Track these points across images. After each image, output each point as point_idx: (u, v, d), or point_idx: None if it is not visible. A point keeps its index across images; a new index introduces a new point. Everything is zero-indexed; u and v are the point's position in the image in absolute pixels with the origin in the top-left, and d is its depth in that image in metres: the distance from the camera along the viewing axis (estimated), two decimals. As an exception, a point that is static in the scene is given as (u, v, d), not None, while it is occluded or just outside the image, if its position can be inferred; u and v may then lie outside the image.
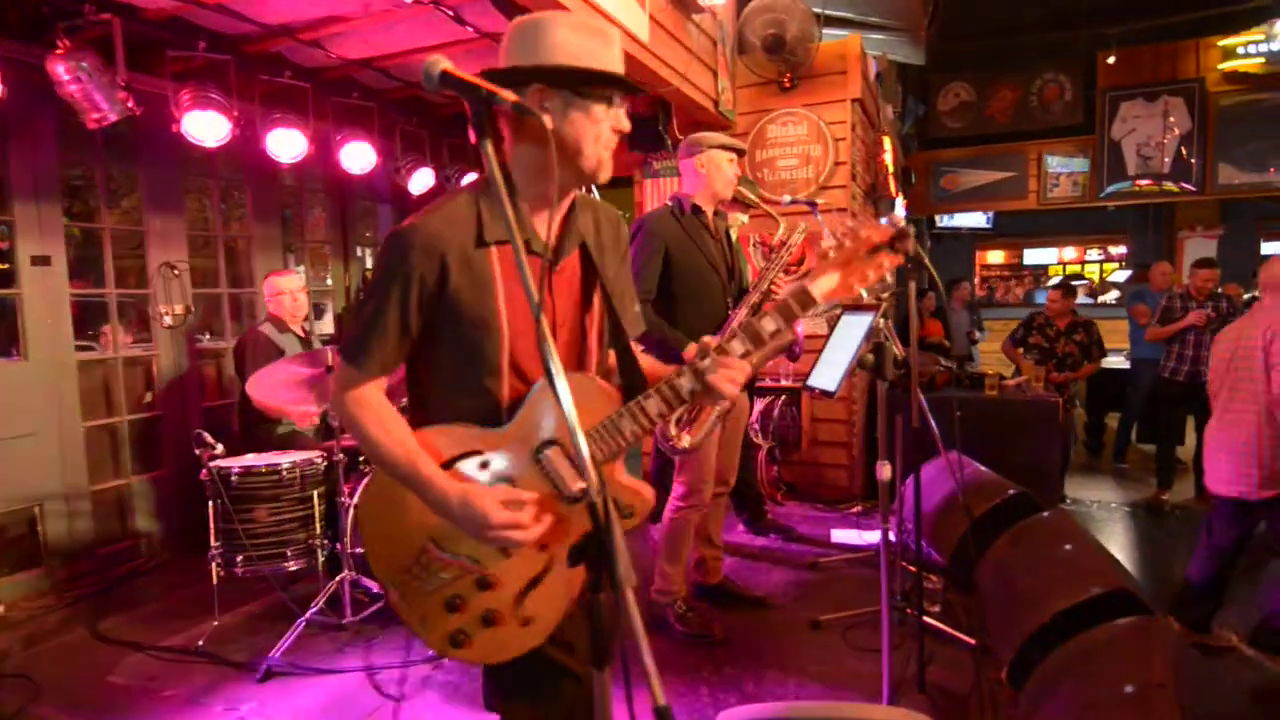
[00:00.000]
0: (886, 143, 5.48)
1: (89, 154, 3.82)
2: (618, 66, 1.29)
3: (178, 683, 2.69)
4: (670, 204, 2.90)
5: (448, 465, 1.30)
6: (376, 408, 1.32)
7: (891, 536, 3.04)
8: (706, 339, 1.36)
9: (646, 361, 1.47)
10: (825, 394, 2.22)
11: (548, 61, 1.24)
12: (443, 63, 1.08)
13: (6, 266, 3.59)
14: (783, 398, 4.56)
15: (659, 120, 4.29)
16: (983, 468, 3.52)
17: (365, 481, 1.38)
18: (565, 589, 1.34)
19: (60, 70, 2.87)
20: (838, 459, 4.77)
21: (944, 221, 10.73)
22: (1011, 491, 3.12)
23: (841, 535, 4.10)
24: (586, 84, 1.25)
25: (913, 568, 2.77)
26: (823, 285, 1.36)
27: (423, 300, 1.28)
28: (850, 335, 2.27)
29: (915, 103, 8.66)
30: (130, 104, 2.98)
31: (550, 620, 1.34)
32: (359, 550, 3.09)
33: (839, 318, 2.53)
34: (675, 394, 1.34)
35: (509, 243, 1.26)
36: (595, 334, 1.44)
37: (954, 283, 7.30)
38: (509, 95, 1.08)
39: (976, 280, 11.74)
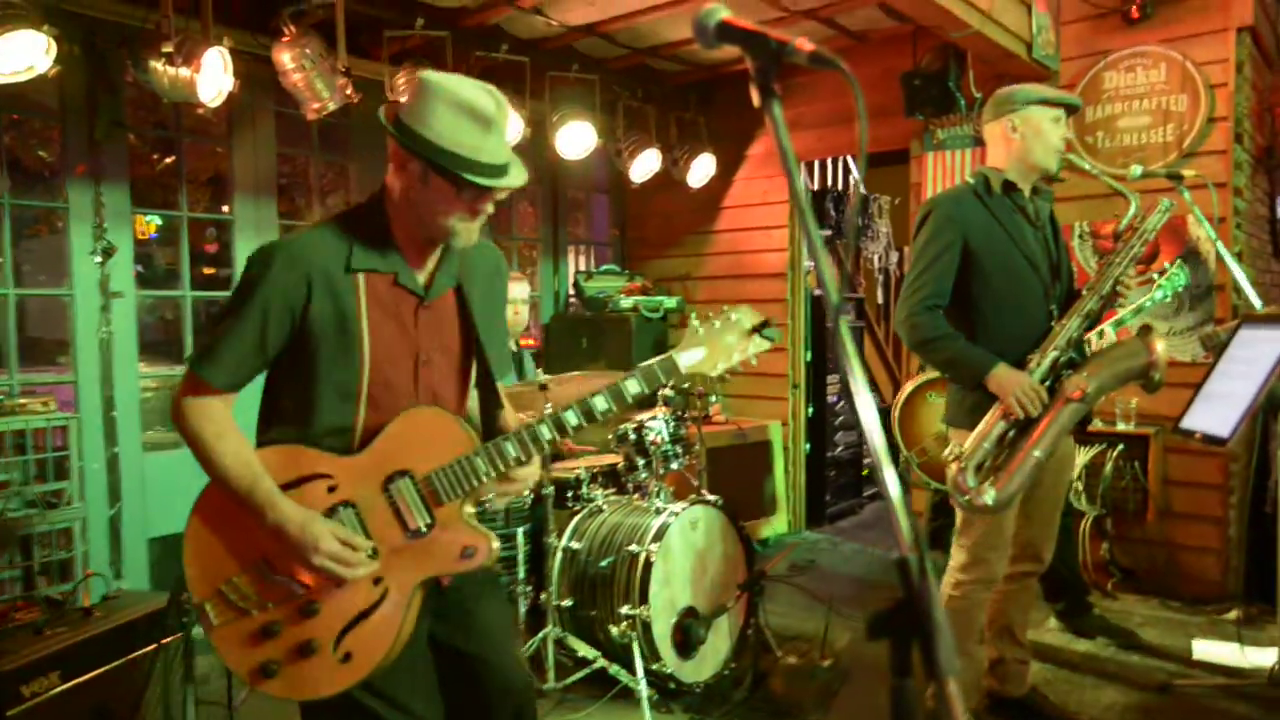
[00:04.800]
0: (1292, 87, 4.80)
1: (303, 148, 4.50)
2: (492, 154, 1.58)
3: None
4: (972, 181, 2.78)
5: (291, 486, 1.62)
6: (219, 421, 1.62)
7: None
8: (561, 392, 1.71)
9: (509, 411, 1.86)
10: (1212, 442, 1.98)
11: (415, 128, 1.57)
12: (721, 11, 1.11)
13: (213, 271, 4.32)
14: (1119, 448, 4.14)
15: (949, 74, 4.13)
16: None
17: (203, 493, 1.67)
18: (393, 629, 1.62)
19: (285, 59, 3.42)
20: (1205, 539, 4.22)
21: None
22: None
23: (1209, 649, 3.62)
24: (439, 162, 1.56)
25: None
26: (690, 357, 1.69)
27: (283, 318, 1.60)
28: (1253, 359, 2.01)
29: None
30: (349, 91, 3.47)
31: (370, 660, 1.61)
32: (566, 604, 3.28)
33: (1234, 331, 2.24)
34: (534, 439, 1.66)
35: (378, 272, 1.65)
36: (470, 375, 1.80)
37: None
38: (806, 45, 1.10)
39: None
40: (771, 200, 5.55)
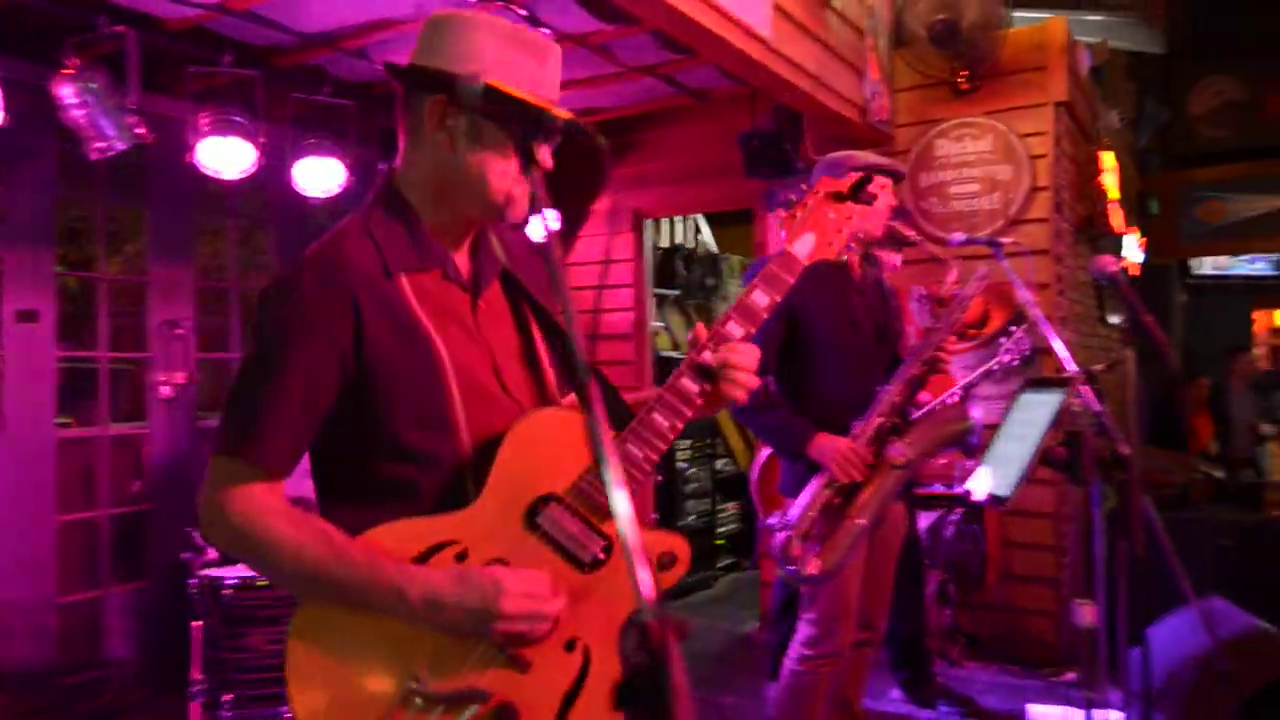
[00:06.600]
0: (1107, 160, 5.39)
1: (91, 191, 4.31)
2: (549, 88, 1.38)
3: None
4: (798, 245, 2.96)
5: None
6: (281, 510, 1.30)
7: (1113, 717, 2.85)
8: (700, 326, 1.47)
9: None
10: (996, 502, 2.18)
11: (456, 68, 1.31)
12: (485, 76, 1.21)
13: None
14: (959, 511, 4.42)
15: (785, 136, 4.40)
16: (1262, 624, 3.28)
17: (293, 630, 1.31)
18: (611, 698, 1.33)
19: (66, 92, 3.30)
20: (1041, 602, 4.54)
21: (1204, 268, 10.26)
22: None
23: (1044, 713, 3.87)
24: (496, 107, 1.29)
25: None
26: (803, 245, 1.53)
27: (331, 360, 1.31)
28: (1030, 420, 2.23)
29: (1156, 105, 8.48)
30: (140, 130, 3.38)
31: None
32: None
33: (1016, 395, 2.48)
34: (682, 398, 1.41)
35: (420, 271, 1.40)
36: (544, 378, 1.54)
37: (1232, 353, 6.99)
38: (562, 113, 1.19)
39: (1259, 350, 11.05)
40: (616, 258, 5.70)
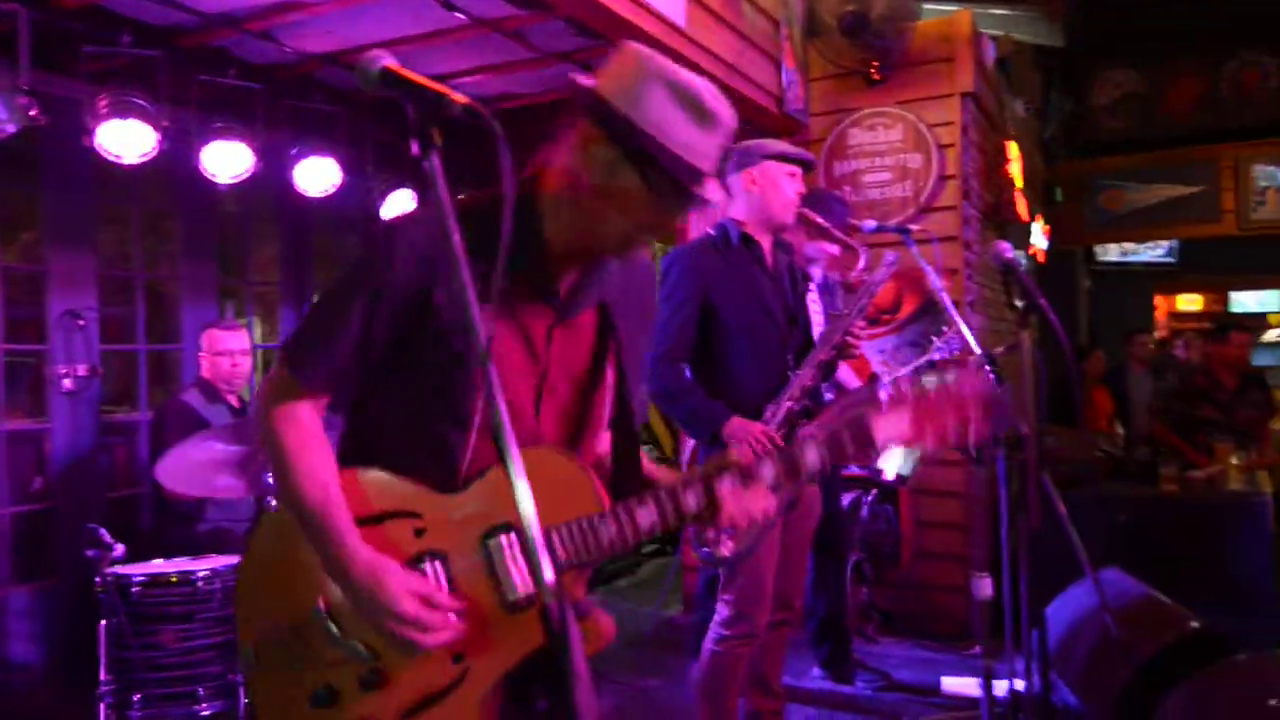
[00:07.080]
0: (1013, 149, 5.56)
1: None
2: (704, 157, 1.42)
3: None
4: (713, 233, 3.00)
5: (375, 520, 1.41)
6: (306, 429, 1.44)
7: (1015, 685, 2.97)
8: (731, 455, 1.47)
9: (650, 464, 1.61)
10: (899, 481, 2.24)
11: (622, 108, 1.38)
12: (383, 59, 1.22)
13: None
14: (873, 492, 4.53)
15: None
16: (1155, 593, 3.44)
17: (266, 517, 1.48)
18: (472, 717, 1.40)
19: (-48, 74, 3.15)
20: (951, 578, 4.68)
21: (1108, 255, 10.65)
22: (1193, 625, 3.04)
23: (956, 684, 4.01)
24: (643, 155, 1.38)
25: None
26: (889, 427, 1.46)
27: (398, 308, 1.42)
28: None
29: (1061, 96, 8.76)
30: (33, 112, 3.24)
31: None
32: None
33: (918, 379, 2.56)
34: (676, 510, 1.43)
35: (515, 274, 1.40)
36: (602, 413, 1.59)
37: (1130, 335, 7.27)
38: (459, 98, 1.20)
39: (1160, 334, 11.51)
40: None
